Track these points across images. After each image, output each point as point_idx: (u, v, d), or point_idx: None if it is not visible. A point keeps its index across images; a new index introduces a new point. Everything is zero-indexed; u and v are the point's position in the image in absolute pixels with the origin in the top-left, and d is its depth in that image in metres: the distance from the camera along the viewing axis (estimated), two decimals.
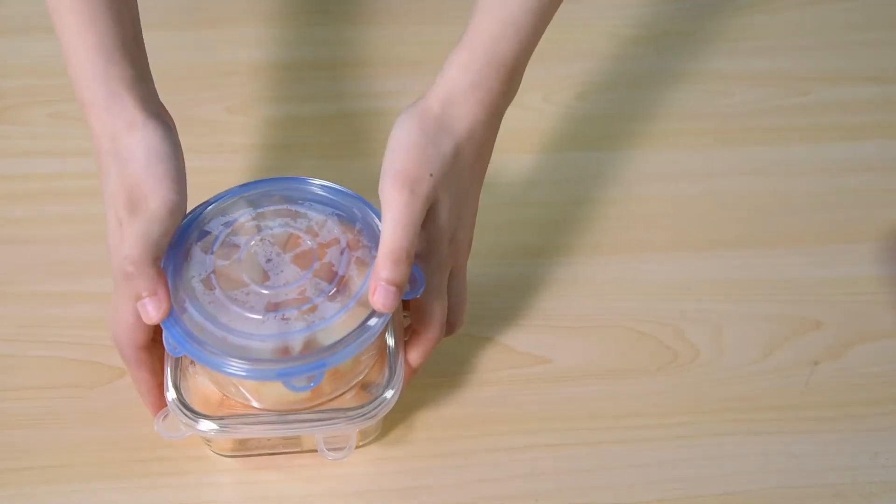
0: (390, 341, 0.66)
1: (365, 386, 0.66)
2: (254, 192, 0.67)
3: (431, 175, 0.62)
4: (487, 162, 0.68)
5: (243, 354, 0.59)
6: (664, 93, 0.91)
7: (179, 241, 0.63)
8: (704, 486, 0.68)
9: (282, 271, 0.63)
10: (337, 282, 0.62)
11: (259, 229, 0.65)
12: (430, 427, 0.71)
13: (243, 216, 0.65)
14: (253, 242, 0.64)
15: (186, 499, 0.67)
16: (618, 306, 0.77)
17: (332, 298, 0.61)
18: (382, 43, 0.95)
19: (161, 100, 0.88)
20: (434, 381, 0.72)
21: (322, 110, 0.89)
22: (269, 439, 0.67)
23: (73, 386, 0.71)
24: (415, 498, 0.68)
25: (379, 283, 0.60)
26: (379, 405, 0.64)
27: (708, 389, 0.73)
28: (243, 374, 0.59)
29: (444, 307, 0.66)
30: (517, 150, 0.85)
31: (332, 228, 0.65)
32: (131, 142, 0.62)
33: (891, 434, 0.71)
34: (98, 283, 0.77)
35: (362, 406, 0.64)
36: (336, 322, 0.60)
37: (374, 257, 0.63)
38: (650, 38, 0.96)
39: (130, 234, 0.60)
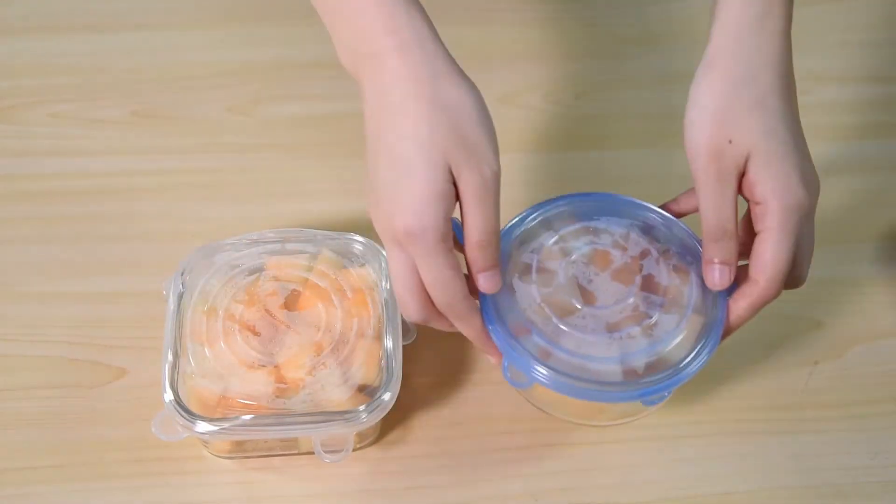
0: (388, 343, 0.66)
1: (362, 388, 0.66)
2: (546, 213, 0.67)
3: (731, 141, 0.59)
4: (795, 90, 0.62)
5: (599, 378, 0.60)
6: (664, 93, 0.91)
7: (502, 274, 0.63)
8: (704, 486, 0.69)
9: (606, 290, 0.63)
10: (663, 292, 0.63)
11: (567, 252, 0.65)
12: (429, 427, 0.71)
13: (547, 240, 0.66)
14: (566, 265, 0.64)
15: (184, 499, 0.67)
16: None
17: (667, 310, 0.63)
18: None
19: (161, 99, 0.89)
20: (433, 381, 0.73)
21: (322, 110, 0.89)
22: (266, 441, 0.67)
23: (73, 386, 0.71)
24: (413, 498, 0.68)
25: (710, 265, 0.62)
26: (375, 408, 0.64)
27: (708, 389, 0.73)
28: (605, 397, 0.61)
29: (792, 257, 0.61)
30: (516, 150, 0.85)
31: (638, 240, 0.65)
32: (457, 91, 0.58)
33: (891, 434, 0.71)
34: (98, 283, 0.77)
35: (359, 408, 0.64)
36: (679, 333, 0.62)
37: (689, 262, 0.64)
38: (650, 38, 0.96)
39: (487, 204, 0.58)
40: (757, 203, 0.60)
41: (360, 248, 0.71)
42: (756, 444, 0.71)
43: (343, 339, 0.67)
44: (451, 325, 0.63)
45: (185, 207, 0.81)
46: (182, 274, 0.69)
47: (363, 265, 0.71)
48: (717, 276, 0.62)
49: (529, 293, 0.63)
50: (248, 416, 0.63)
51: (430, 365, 0.73)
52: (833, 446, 0.71)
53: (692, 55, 0.94)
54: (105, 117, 0.87)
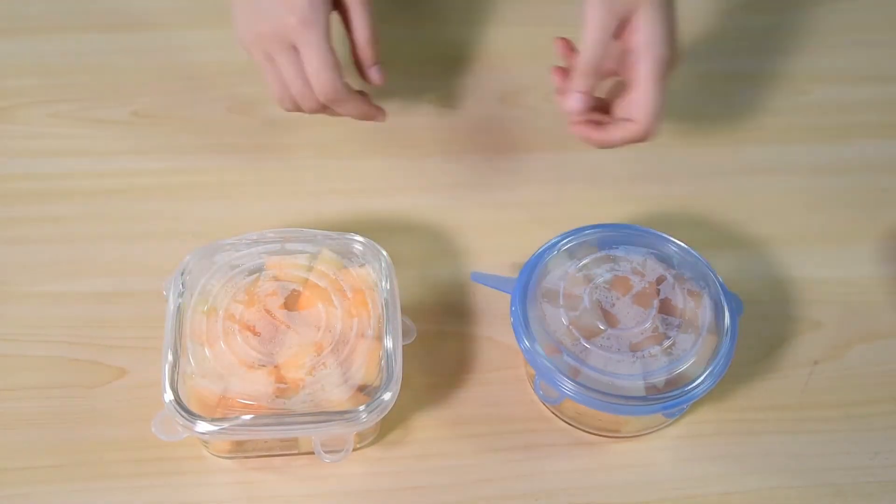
0: (388, 343, 0.66)
1: (362, 388, 0.66)
2: (569, 244, 0.71)
3: None
4: None
5: (624, 393, 0.64)
6: None
7: (532, 300, 0.68)
8: (704, 486, 0.69)
9: (627, 313, 0.68)
10: (680, 315, 0.68)
11: (590, 279, 0.70)
12: (429, 427, 0.71)
13: (570, 268, 0.70)
14: (590, 290, 0.69)
15: (184, 499, 0.67)
16: None
17: (684, 331, 0.67)
18: (381, 42, 0.94)
19: (161, 100, 0.89)
20: (433, 382, 0.73)
21: None
22: (265, 441, 0.67)
23: (73, 386, 0.71)
24: (413, 498, 0.68)
25: (569, 92, 0.72)
26: (375, 408, 0.64)
27: None
28: (630, 411, 0.65)
29: (663, 101, 0.71)
30: (515, 150, 0.85)
31: (654, 266, 0.70)
32: None
33: (891, 434, 0.71)
34: (98, 283, 0.77)
35: (359, 408, 0.64)
36: (695, 352, 0.66)
37: (701, 287, 0.69)
38: None
39: (367, 6, 0.73)
40: (631, 51, 0.70)
41: (360, 248, 0.71)
42: (756, 444, 0.71)
43: (343, 339, 0.67)
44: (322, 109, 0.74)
45: (185, 207, 0.81)
46: (182, 274, 0.69)
47: (363, 265, 0.71)
48: (575, 102, 0.72)
49: (558, 317, 0.67)
50: (248, 416, 0.63)
51: (430, 365, 0.73)
52: (833, 446, 0.71)
53: (691, 56, 0.94)
54: (105, 117, 0.87)
